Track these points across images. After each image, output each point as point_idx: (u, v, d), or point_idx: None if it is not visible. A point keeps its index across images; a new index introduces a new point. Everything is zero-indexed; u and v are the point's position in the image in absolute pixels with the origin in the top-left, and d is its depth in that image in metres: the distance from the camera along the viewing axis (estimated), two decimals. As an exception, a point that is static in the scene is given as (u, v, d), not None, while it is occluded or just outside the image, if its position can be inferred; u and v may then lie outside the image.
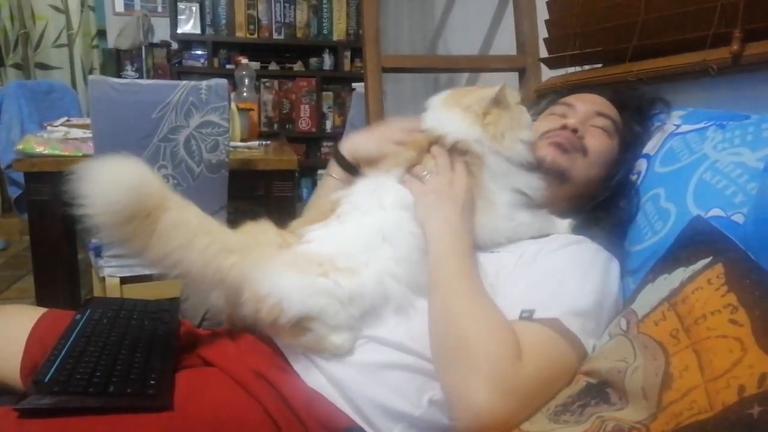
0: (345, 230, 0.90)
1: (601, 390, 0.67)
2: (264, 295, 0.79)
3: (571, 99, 1.07)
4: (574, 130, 0.98)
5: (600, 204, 1.02)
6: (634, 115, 1.07)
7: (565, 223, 0.98)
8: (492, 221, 0.92)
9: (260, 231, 0.89)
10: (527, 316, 0.78)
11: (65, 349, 0.85)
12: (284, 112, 4.30)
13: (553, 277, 0.84)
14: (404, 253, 0.88)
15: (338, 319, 0.82)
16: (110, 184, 0.75)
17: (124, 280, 1.87)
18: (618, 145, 1.04)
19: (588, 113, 1.03)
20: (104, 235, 0.76)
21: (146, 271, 1.87)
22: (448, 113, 0.95)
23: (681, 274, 0.69)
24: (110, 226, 0.75)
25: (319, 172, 4.20)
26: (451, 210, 0.88)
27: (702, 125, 0.99)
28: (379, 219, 0.91)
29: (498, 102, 0.93)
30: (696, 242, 0.72)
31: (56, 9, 3.86)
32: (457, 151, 0.93)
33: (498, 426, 0.71)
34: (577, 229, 0.98)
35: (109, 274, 1.86)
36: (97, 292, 2.01)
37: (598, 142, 1.00)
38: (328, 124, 4.41)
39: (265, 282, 0.80)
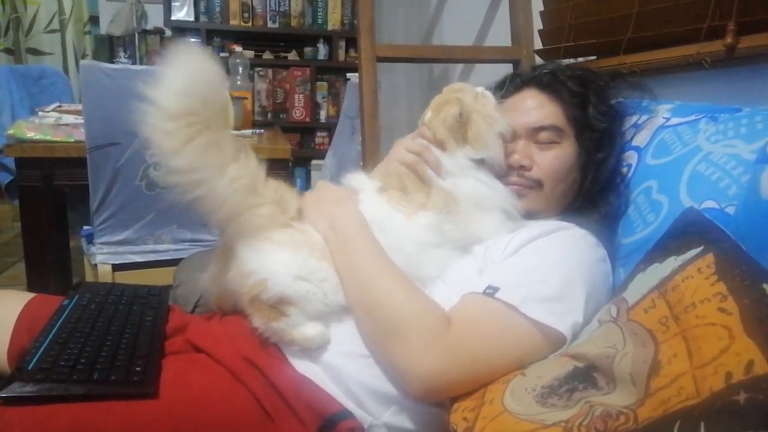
0: None
1: (588, 374, 0.68)
2: (249, 271, 0.80)
3: (513, 121, 1.01)
4: (522, 167, 0.99)
5: (589, 198, 1.03)
6: (594, 109, 1.03)
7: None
8: (484, 232, 0.94)
9: (288, 194, 0.90)
10: (491, 292, 0.80)
11: (51, 335, 0.85)
12: (278, 101, 4.28)
13: (527, 263, 0.85)
14: (399, 242, 0.89)
15: (318, 308, 0.82)
16: (185, 72, 0.76)
17: (116, 268, 1.86)
18: (577, 143, 1.01)
19: (528, 134, 1.01)
20: (154, 122, 0.76)
21: (138, 259, 1.87)
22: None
23: (672, 263, 0.70)
24: (166, 113, 0.76)
25: (313, 161, 4.19)
26: (337, 203, 0.93)
27: (692, 117, 0.99)
28: (374, 209, 0.92)
29: (461, 115, 0.95)
30: (688, 232, 0.73)
31: (48, -6, 3.82)
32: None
33: (444, 386, 0.76)
34: (565, 217, 0.99)
35: (101, 261, 1.85)
36: (88, 280, 2.00)
37: (550, 162, 0.99)
38: (322, 114, 4.40)
39: (253, 259, 0.80)
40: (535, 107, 1.03)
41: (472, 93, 0.99)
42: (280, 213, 0.86)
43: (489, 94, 1.00)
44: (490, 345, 0.78)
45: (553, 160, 1.00)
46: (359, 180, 0.98)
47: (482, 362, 0.77)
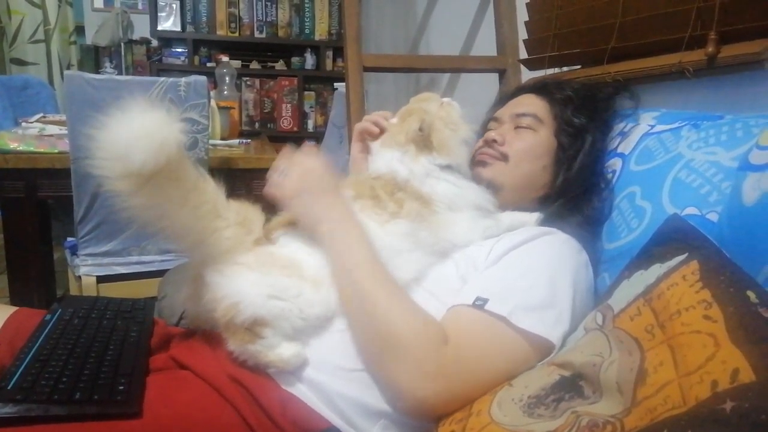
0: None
1: (574, 383, 0.68)
2: (221, 296, 0.79)
3: (500, 111, 1.14)
4: (494, 141, 1.06)
5: (571, 201, 1.03)
6: (576, 109, 1.09)
7: (533, 217, 1.00)
8: (457, 235, 0.94)
9: (252, 214, 0.89)
10: (480, 304, 0.80)
11: (32, 353, 0.83)
12: (266, 111, 4.27)
13: (513, 271, 0.85)
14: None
15: (296, 324, 0.81)
16: (143, 140, 0.72)
17: (100, 279, 1.84)
18: (554, 136, 1.07)
19: (510, 118, 1.10)
20: (103, 170, 0.74)
21: (123, 270, 1.85)
22: (389, 154, 0.99)
23: (657, 270, 0.70)
24: (119, 173, 0.73)
25: (301, 171, 4.18)
26: (329, 199, 0.89)
27: (676, 125, 1.00)
28: None
29: (422, 129, 0.97)
30: (672, 239, 0.73)
31: (33, 4, 3.78)
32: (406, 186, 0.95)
33: (439, 407, 0.75)
34: (547, 222, 0.99)
35: (86, 273, 1.83)
36: (73, 292, 1.97)
37: (521, 142, 1.06)
38: (310, 124, 4.40)
39: (224, 284, 0.80)
40: (523, 101, 1.13)
41: (437, 102, 1.03)
42: (246, 234, 0.85)
43: (454, 103, 1.05)
44: (485, 361, 0.77)
45: (524, 141, 1.07)
46: None
47: (477, 380, 0.76)
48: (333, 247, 0.85)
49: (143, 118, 0.73)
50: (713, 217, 0.82)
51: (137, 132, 0.72)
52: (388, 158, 0.98)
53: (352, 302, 0.83)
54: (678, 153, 0.94)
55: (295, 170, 0.91)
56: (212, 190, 0.84)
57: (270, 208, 0.95)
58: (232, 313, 0.79)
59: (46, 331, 0.89)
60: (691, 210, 0.85)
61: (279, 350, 0.81)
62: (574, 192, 1.04)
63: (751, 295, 0.59)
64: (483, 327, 0.79)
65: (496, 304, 0.79)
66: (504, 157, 1.05)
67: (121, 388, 0.77)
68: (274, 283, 0.81)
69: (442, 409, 0.76)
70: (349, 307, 0.83)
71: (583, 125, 1.07)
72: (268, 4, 4.12)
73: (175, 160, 0.76)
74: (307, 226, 0.89)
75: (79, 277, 1.84)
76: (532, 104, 1.11)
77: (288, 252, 0.87)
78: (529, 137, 1.07)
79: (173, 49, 4.11)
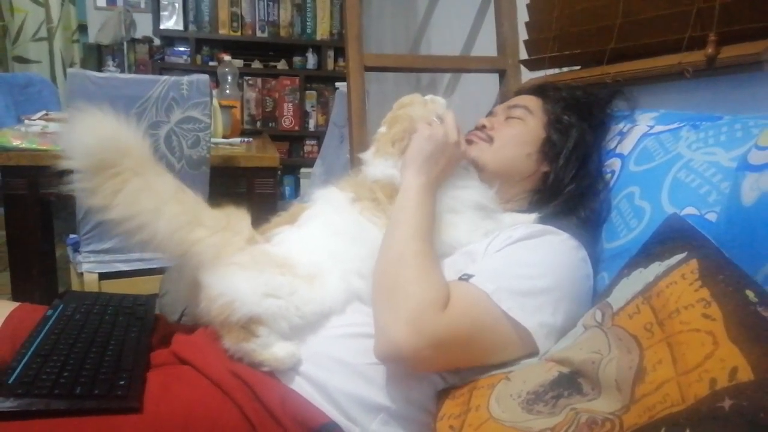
0: (311, 234, 0.92)
1: (573, 380, 0.68)
2: (216, 295, 0.80)
3: (496, 107, 1.18)
4: (483, 126, 1.11)
5: (567, 203, 1.03)
6: (568, 108, 1.10)
7: (531, 217, 1.00)
8: (458, 238, 0.95)
9: (235, 217, 0.90)
10: (465, 278, 0.82)
11: (33, 347, 0.83)
12: (267, 110, 4.28)
13: (506, 260, 0.87)
14: (371, 250, 0.89)
15: (293, 322, 0.82)
16: (86, 131, 0.79)
17: (102, 276, 1.84)
18: (543, 128, 1.08)
19: (502, 110, 1.14)
20: (78, 183, 0.80)
21: (125, 267, 1.85)
22: (382, 163, 1.00)
23: (656, 268, 0.70)
24: (82, 173, 0.79)
25: (302, 170, 4.19)
26: (438, 165, 0.95)
27: (675, 126, 1.00)
28: (345, 221, 0.93)
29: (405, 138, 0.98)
30: (671, 238, 0.73)
31: (36, 2, 3.79)
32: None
33: (408, 361, 0.77)
34: (545, 221, 1.00)
35: (88, 269, 1.83)
36: (75, 289, 1.97)
37: (507, 129, 1.09)
38: (311, 123, 4.40)
39: (219, 283, 0.80)
40: (519, 99, 1.16)
41: (421, 103, 1.04)
42: (233, 236, 0.86)
43: (439, 99, 1.06)
44: (473, 333, 0.79)
45: (511, 128, 1.09)
46: (330, 194, 0.99)
47: (460, 349, 0.79)
48: (409, 199, 0.90)
49: (104, 119, 0.81)
50: (712, 217, 0.82)
51: (98, 127, 0.80)
52: (381, 167, 0.99)
53: (395, 241, 0.87)
54: (677, 153, 0.95)
55: (454, 131, 0.97)
56: (191, 199, 0.86)
57: (269, 209, 0.96)
58: (227, 312, 0.79)
59: (48, 326, 0.90)
60: (690, 210, 0.85)
61: (273, 349, 0.81)
62: (567, 190, 1.04)
63: (750, 294, 0.59)
64: (474, 299, 0.80)
65: (482, 280, 0.81)
66: (489, 139, 1.08)
67: (122, 383, 0.77)
68: (268, 280, 0.82)
69: (410, 362, 0.78)
70: (389, 245, 0.87)
71: (572, 123, 1.08)
72: (270, 3, 4.13)
73: (147, 162, 0.82)
74: (410, 163, 0.94)
75: (81, 273, 1.84)
76: (526, 100, 1.14)
77: (282, 250, 0.88)
78: (517, 125, 1.09)
79: (175, 48, 4.12)
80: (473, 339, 0.79)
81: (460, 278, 0.83)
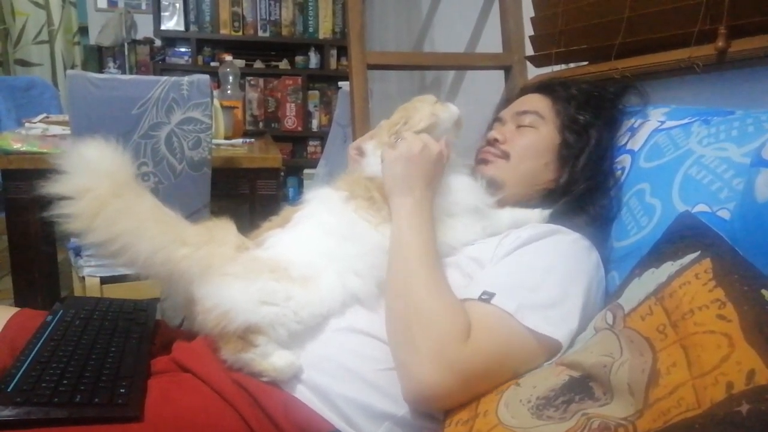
0: (303, 235, 0.90)
1: (584, 385, 0.66)
2: (211, 306, 0.78)
3: (503, 111, 1.14)
4: (495, 140, 1.06)
5: (577, 200, 1.02)
6: (580, 106, 1.08)
7: (536, 213, 0.99)
8: (456, 240, 0.93)
9: (219, 229, 0.89)
10: (486, 298, 0.79)
11: (32, 354, 0.82)
12: (270, 110, 4.27)
13: (520, 268, 0.84)
14: (366, 247, 0.88)
15: (292, 328, 0.81)
16: (75, 163, 0.81)
17: (104, 280, 1.84)
18: (557, 132, 1.06)
19: (511, 117, 1.10)
20: (57, 209, 0.81)
21: (126, 271, 1.84)
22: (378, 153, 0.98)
23: (668, 268, 0.68)
24: (63, 199, 0.80)
25: (305, 170, 4.18)
26: (416, 180, 0.90)
27: (686, 121, 0.99)
28: (338, 220, 0.91)
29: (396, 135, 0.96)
30: (684, 237, 0.71)
31: (37, 5, 3.80)
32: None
33: (439, 400, 0.75)
34: (553, 221, 0.98)
35: (89, 273, 1.83)
36: (77, 293, 1.97)
37: (522, 140, 1.06)
38: (314, 123, 4.39)
39: (212, 294, 0.79)
40: (526, 100, 1.13)
41: (430, 102, 1.01)
42: (218, 246, 0.85)
43: (452, 106, 1.02)
44: (501, 359, 0.76)
45: (525, 138, 1.06)
46: (324, 195, 0.97)
47: (488, 376, 0.75)
48: (403, 221, 0.87)
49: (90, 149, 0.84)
50: (725, 214, 0.80)
51: (82, 153, 0.83)
52: (376, 163, 0.97)
53: (399, 275, 0.84)
54: (688, 149, 0.93)
55: (415, 141, 0.92)
56: (171, 219, 0.85)
57: (272, 210, 0.95)
58: (224, 322, 0.78)
59: (47, 332, 0.89)
60: (701, 207, 0.83)
61: (272, 359, 0.79)
62: (578, 189, 1.02)
63: (766, 293, 0.58)
64: (498, 322, 0.77)
65: (503, 299, 0.78)
66: (505, 155, 1.05)
67: (122, 391, 0.76)
68: (262, 287, 0.81)
69: (444, 401, 0.75)
70: (394, 279, 0.84)
71: (588, 122, 1.06)
72: (272, 3, 4.12)
73: (129, 185, 0.83)
74: (391, 190, 0.90)
75: (83, 277, 1.84)
76: (535, 102, 1.10)
77: (273, 254, 0.87)
78: (531, 135, 1.06)
79: (177, 49, 4.11)
80: (503, 363, 0.76)
81: (480, 298, 0.79)
